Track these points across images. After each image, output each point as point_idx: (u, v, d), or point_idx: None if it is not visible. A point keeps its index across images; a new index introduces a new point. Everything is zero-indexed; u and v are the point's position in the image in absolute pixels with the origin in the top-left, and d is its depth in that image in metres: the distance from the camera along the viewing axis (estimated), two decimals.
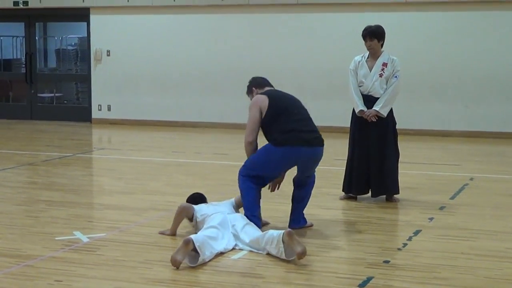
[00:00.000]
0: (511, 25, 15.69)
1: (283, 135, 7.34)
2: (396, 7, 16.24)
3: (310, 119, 7.76)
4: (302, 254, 6.38)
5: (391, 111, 9.09)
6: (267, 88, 7.82)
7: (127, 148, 14.59)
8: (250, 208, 7.41)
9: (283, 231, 6.58)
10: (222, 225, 6.99)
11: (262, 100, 7.49)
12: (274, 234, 6.64)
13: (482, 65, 15.80)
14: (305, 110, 7.84)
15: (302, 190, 7.79)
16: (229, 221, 7.09)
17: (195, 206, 7.44)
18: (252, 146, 7.48)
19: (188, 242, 6.36)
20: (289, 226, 7.54)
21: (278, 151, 7.34)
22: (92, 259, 6.62)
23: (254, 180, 7.43)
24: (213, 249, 6.63)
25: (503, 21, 15.72)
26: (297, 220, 7.76)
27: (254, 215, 7.38)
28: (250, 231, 6.96)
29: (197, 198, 7.85)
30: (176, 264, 6.30)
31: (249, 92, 7.88)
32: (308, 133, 7.53)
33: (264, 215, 8.24)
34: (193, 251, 6.42)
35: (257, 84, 7.90)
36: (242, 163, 7.54)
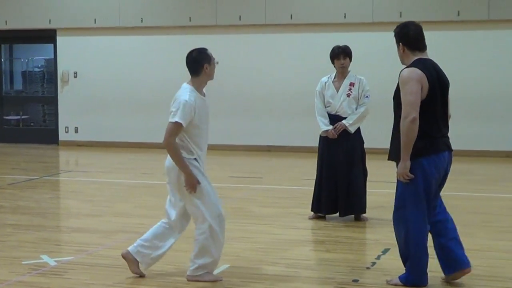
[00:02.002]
0: (486, 45, 15.84)
1: (427, 139, 6.10)
2: (364, 27, 16.36)
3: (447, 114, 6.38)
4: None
5: (359, 130, 9.15)
6: (418, 55, 6.23)
7: (95, 170, 14.53)
8: (425, 260, 6.27)
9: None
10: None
11: (423, 79, 6.03)
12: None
13: (451, 84, 15.90)
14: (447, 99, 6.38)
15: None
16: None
17: None
18: (416, 124, 5.95)
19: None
20: (459, 270, 6.36)
21: (431, 161, 6.11)
22: (59, 283, 6.55)
23: (425, 215, 6.20)
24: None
25: (478, 41, 15.87)
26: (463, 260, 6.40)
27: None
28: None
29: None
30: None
31: (396, 42, 6.39)
32: (447, 137, 6.33)
33: (234, 235, 8.25)
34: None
35: (408, 40, 6.27)
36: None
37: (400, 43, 6.26)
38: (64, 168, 15.78)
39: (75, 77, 18.46)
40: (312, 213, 9.35)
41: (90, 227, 8.92)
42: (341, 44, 9.22)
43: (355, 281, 6.57)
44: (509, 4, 15.62)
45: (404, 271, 6.32)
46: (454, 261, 6.27)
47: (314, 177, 9.35)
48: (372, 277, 6.69)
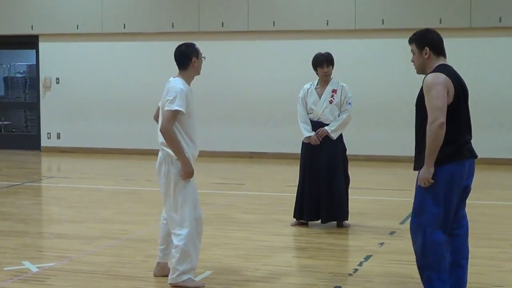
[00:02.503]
0: (467, 53, 15.90)
1: (453, 146, 5.80)
2: (346, 34, 16.42)
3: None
4: None
5: (341, 137, 9.17)
6: (441, 60, 6.02)
7: (77, 176, 14.48)
8: (443, 269, 5.89)
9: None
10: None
11: (449, 84, 5.78)
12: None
13: None
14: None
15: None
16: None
17: None
18: (444, 129, 5.65)
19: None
20: None
21: (457, 167, 5.84)
22: None
23: (443, 225, 5.87)
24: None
25: (459, 48, 15.92)
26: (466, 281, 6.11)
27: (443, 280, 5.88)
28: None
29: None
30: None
31: (419, 47, 6.02)
32: (470, 143, 6.06)
33: (216, 241, 8.25)
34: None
35: (433, 45, 6.04)
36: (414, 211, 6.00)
37: (427, 48, 5.97)
38: (46, 174, 15.72)
39: (57, 83, 18.41)
40: (295, 219, 9.35)
41: (72, 233, 8.89)
42: (323, 51, 9.24)
43: (337, 287, 6.58)
44: (491, 12, 15.71)
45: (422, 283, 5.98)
46: (463, 282, 6.02)
47: (297, 183, 9.37)
48: (354, 284, 6.69)
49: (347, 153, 9.33)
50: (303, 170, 9.25)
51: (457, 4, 15.83)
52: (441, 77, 5.76)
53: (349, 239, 8.77)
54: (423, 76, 5.91)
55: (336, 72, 9.30)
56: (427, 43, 5.98)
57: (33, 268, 7.17)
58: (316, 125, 9.10)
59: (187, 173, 6.38)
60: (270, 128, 16.99)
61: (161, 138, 6.47)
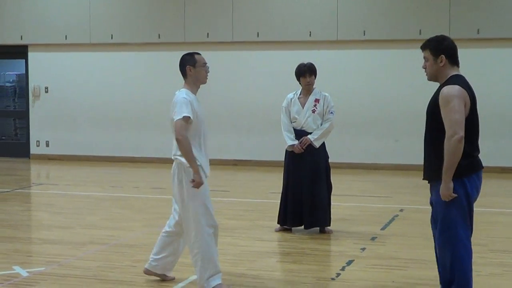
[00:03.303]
0: None
1: (469, 159, 5.72)
2: (328, 45, 16.58)
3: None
4: None
5: (323, 145, 9.32)
6: (455, 70, 5.90)
7: (65, 183, 14.53)
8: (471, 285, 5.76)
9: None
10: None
11: (466, 97, 5.68)
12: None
13: (411, 100, 16.10)
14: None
15: None
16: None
17: None
18: (463, 143, 5.52)
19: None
20: None
21: (474, 180, 5.79)
22: None
23: (468, 233, 5.79)
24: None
25: None
26: None
27: None
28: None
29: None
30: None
31: (434, 54, 5.85)
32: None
33: None
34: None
35: (450, 53, 5.87)
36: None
37: (442, 56, 5.79)
38: (35, 181, 15.74)
39: (46, 92, 18.51)
40: (278, 225, 9.47)
41: (61, 239, 8.96)
42: (306, 62, 9.38)
43: None
44: (469, 24, 15.87)
45: None
46: None
47: (280, 190, 9.47)
48: None
49: (330, 161, 9.47)
50: (287, 178, 9.36)
51: (436, 16, 16.01)
52: (458, 89, 5.61)
53: (332, 244, 8.87)
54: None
55: (318, 82, 9.45)
56: (443, 51, 5.81)
57: (23, 273, 7.26)
58: (299, 133, 9.25)
59: (197, 182, 6.44)
60: (254, 136, 17.12)
61: (173, 150, 6.59)
